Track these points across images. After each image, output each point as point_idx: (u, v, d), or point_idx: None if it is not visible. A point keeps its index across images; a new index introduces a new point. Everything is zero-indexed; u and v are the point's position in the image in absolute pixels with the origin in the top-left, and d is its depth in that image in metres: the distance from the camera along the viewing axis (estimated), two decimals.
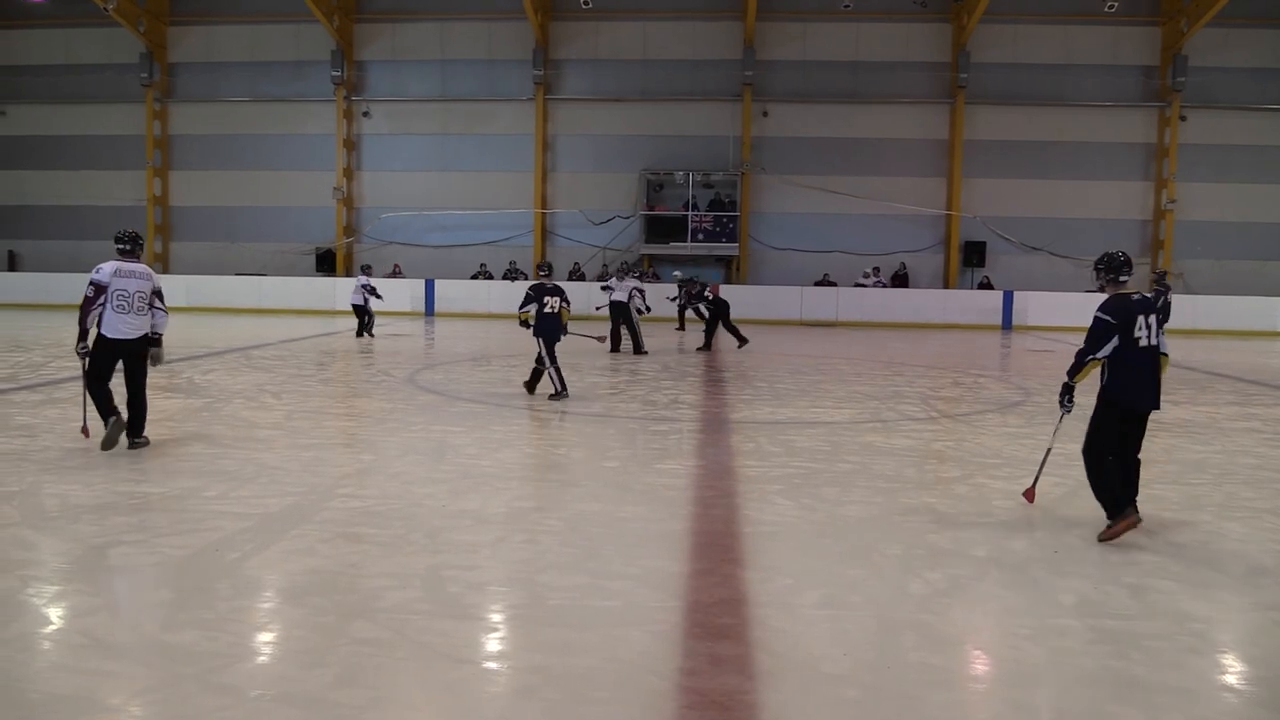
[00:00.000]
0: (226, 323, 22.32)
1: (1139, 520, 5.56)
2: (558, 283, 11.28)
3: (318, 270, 28.26)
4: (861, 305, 25.96)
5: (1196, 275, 26.87)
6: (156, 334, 7.74)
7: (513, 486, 6.89)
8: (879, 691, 3.64)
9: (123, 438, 7.61)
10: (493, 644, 4.15)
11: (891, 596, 4.66)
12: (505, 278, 27.37)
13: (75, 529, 5.49)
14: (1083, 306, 26.22)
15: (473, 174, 28.37)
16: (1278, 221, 26.97)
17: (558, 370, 10.82)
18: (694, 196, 27.34)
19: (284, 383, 12.04)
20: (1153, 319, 5.62)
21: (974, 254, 27.27)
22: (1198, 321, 24.83)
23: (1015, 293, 25.83)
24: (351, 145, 28.78)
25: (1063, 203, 27.17)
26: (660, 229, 27.37)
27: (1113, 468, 5.66)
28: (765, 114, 27.62)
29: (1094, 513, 5.78)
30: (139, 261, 7.67)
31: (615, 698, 3.52)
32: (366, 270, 20.35)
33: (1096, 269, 5.83)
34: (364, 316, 19.05)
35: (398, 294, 26.46)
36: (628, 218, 27.78)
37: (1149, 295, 5.79)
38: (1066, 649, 4.03)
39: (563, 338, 10.98)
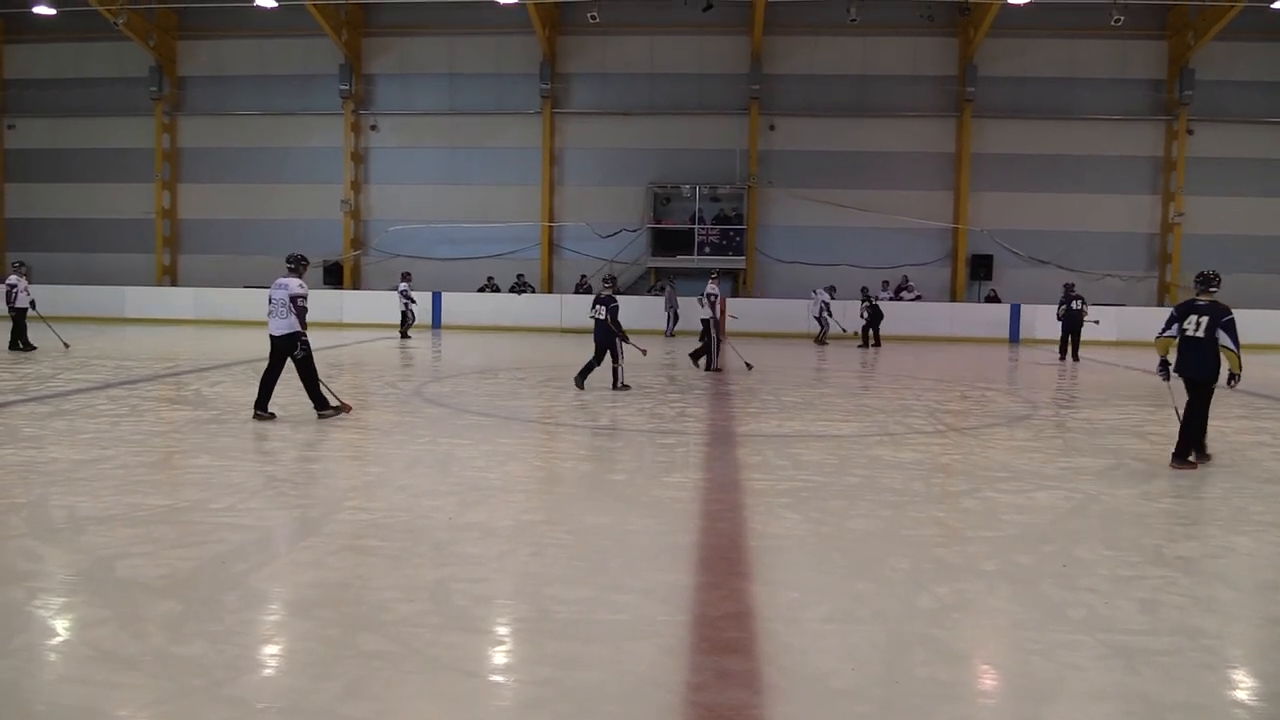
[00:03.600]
0: (234, 335, 22.37)
1: (1199, 462, 8.21)
2: (612, 294, 12.97)
3: (325, 283, 28.30)
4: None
5: None
6: (293, 330, 9.71)
7: (520, 499, 6.88)
8: (888, 706, 3.62)
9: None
10: (500, 657, 4.14)
11: (900, 611, 4.64)
12: (512, 290, 27.42)
13: (82, 540, 5.50)
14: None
15: (480, 187, 28.47)
16: None
17: (615, 368, 12.85)
18: (701, 209, 27.40)
19: (292, 395, 12.04)
20: (1204, 319, 7.93)
21: (981, 267, 27.27)
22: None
23: (1022, 306, 25.78)
24: (359, 158, 28.90)
25: (1070, 216, 27.16)
26: (667, 242, 27.41)
27: (1198, 419, 8.10)
28: (772, 128, 27.68)
29: (1102, 528, 5.75)
30: (295, 277, 9.79)
31: (623, 712, 3.50)
32: (405, 277, 23.61)
33: (1195, 280, 8.29)
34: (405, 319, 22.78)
35: None
36: (634, 231, 27.82)
37: (1217, 304, 7.98)
38: (1076, 664, 4.00)
39: (621, 344, 12.86)
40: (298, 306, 9.68)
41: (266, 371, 10.01)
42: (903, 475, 7.83)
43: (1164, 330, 8.24)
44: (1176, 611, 4.69)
